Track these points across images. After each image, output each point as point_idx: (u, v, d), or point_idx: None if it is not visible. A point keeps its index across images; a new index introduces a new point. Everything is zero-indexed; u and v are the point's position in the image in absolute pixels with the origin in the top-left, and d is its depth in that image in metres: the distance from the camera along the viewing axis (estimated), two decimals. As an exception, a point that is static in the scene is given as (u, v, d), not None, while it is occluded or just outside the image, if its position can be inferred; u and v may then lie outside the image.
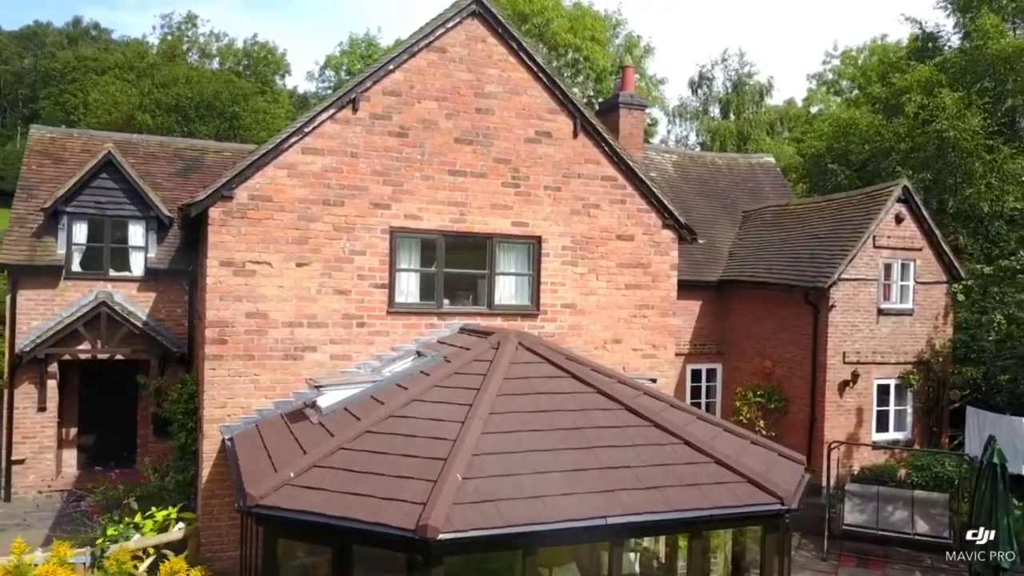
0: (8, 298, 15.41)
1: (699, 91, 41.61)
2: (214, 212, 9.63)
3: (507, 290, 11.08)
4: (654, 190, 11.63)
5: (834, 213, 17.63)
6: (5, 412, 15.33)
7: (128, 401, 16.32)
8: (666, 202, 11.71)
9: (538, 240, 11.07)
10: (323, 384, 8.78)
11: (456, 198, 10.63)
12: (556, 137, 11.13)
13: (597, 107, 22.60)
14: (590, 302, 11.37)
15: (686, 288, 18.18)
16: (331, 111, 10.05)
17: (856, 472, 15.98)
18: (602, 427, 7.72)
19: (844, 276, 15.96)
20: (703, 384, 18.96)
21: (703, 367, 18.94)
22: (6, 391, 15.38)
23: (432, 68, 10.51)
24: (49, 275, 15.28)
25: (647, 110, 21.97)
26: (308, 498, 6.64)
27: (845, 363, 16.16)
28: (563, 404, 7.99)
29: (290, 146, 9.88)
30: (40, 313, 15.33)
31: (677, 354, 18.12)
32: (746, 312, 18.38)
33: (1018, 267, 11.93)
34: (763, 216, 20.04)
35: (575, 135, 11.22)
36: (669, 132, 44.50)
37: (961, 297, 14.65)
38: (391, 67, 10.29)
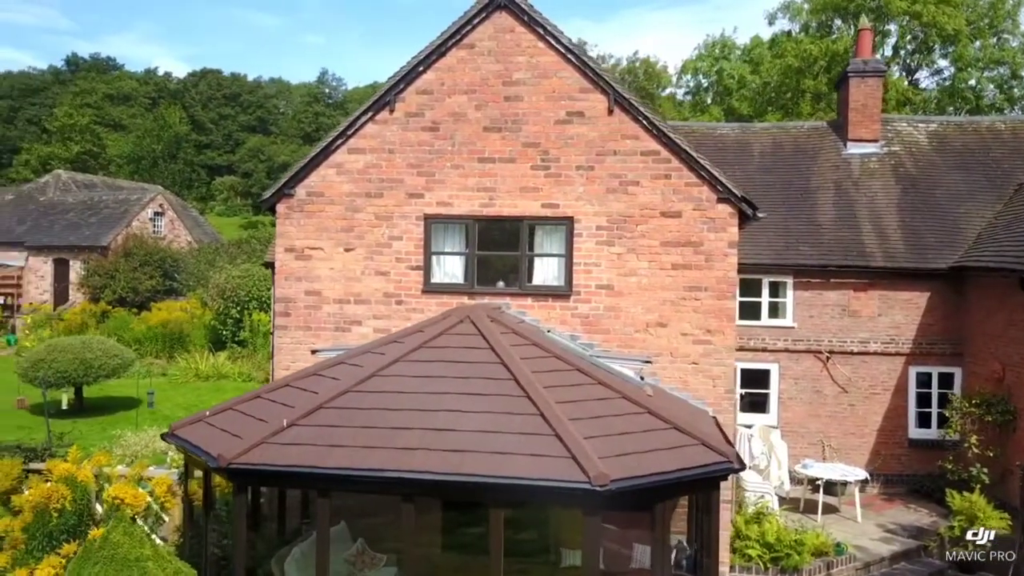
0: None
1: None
2: (280, 207, 11.64)
3: (540, 271, 11.23)
4: (702, 162, 10.73)
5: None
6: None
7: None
8: (717, 174, 10.70)
9: (570, 221, 11.04)
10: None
11: (485, 184, 11.18)
12: (589, 116, 10.98)
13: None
14: (629, 283, 10.93)
15: (907, 278, 15.84)
16: (370, 113, 11.40)
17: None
18: (472, 394, 7.85)
19: (1077, 256, 12.40)
20: (934, 390, 15.96)
21: (933, 370, 15.95)
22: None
23: (462, 64, 11.23)
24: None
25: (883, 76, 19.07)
26: (199, 432, 8.10)
27: (1083, 368, 12.52)
28: (455, 372, 8.25)
29: (337, 147, 11.46)
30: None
31: (897, 354, 15.80)
32: (981, 305, 15.11)
33: None
34: (1031, 188, 16.18)
35: (610, 112, 10.93)
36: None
37: None
38: (421, 68, 11.26)
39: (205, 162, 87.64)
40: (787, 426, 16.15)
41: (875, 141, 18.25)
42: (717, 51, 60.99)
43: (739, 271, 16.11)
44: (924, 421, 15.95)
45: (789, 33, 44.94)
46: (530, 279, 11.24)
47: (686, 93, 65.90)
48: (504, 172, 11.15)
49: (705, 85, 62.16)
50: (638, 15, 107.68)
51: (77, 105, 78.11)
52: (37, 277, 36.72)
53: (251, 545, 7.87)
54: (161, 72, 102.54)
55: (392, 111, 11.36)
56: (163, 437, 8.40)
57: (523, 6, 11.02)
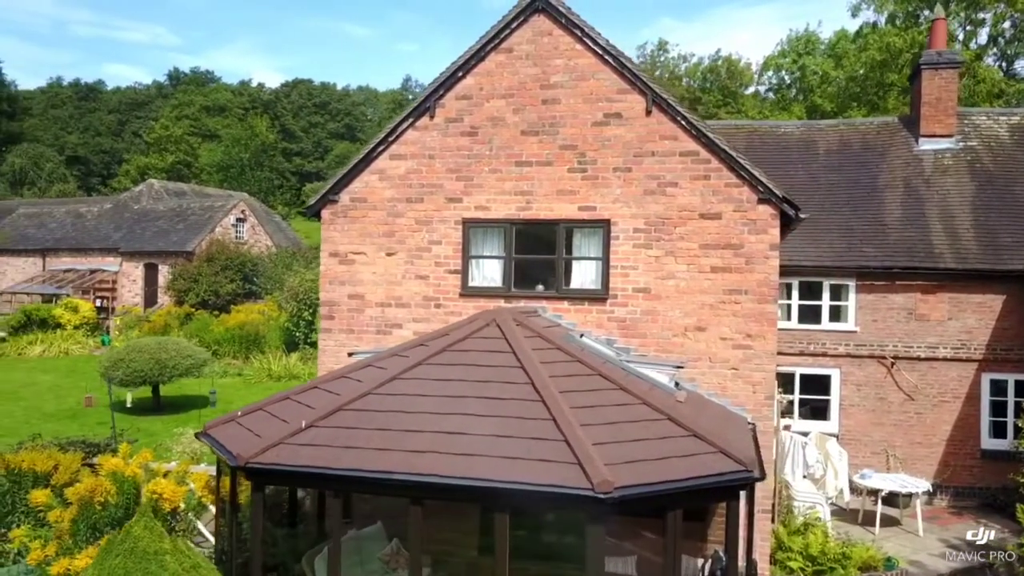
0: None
1: None
2: (325, 213, 11.94)
3: (576, 275, 11.15)
4: (742, 161, 10.44)
5: None
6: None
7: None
8: (758, 174, 10.39)
9: (607, 223, 10.92)
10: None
11: (522, 187, 11.18)
12: (627, 117, 10.85)
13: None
14: (667, 286, 10.73)
15: (981, 279, 15.12)
16: (411, 120, 11.57)
17: None
18: (488, 398, 7.87)
19: None
20: (1009, 399, 15.08)
21: (1009, 377, 15.09)
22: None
23: (500, 68, 11.27)
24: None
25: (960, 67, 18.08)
26: (228, 431, 8.39)
27: None
28: (474, 376, 8.28)
29: (379, 154, 11.68)
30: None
31: (968, 360, 15.06)
32: (1063, 309, 14.22)
33: None
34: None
35: (648, 113, 10.77)
36: None
37: None
38: (460, 74, 11.35)
39: (295, 169, 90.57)
40: (849, 434, 15.56)
41: (950, 136, 17.40)
42: (800, 47, 59.31)
43: (799, 273, 15.77)
44: (999, 431, 15.10)
45: (874, 25, 43.24)
46: (568, 282, 11.18)
47: (767, 90, 64.32)
48: (541, 175, 11.13)
49: (788, 82, 60.53)
50: (726, 13, 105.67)
51: (175, 117, 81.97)
52: (130, 281, 38.75)
53: (272, 542, 8.10)
54: (255, 83, 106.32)
55: (432, 117, 11.49)
56: (197, 436, 8.74)
57: (560, 8, 10.98)
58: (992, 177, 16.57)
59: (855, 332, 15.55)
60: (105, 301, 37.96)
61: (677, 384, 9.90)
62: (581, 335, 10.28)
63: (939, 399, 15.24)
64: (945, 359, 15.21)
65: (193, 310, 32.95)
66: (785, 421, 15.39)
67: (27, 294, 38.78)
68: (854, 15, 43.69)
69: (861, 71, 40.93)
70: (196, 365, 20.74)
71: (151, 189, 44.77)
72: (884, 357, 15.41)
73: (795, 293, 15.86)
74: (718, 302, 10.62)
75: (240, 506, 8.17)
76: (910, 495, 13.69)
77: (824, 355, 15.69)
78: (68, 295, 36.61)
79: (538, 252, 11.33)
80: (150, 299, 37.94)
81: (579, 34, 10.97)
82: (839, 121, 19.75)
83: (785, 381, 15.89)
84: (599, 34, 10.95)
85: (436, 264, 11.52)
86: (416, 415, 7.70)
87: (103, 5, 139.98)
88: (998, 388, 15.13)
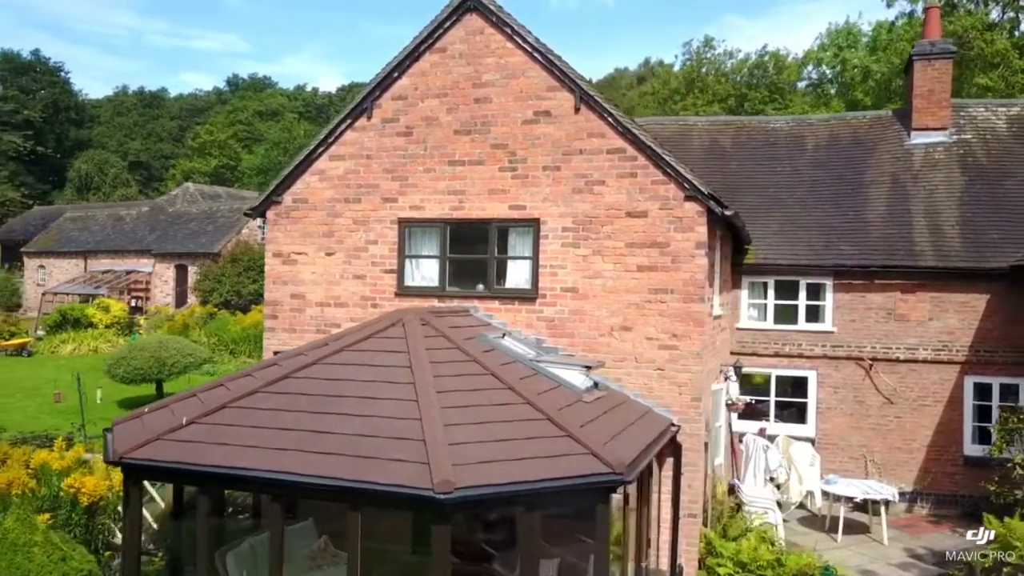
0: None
1: None
2: (269, 214, 12.13)
3: (512, 274, 11.06)
4: (667, 158, 10.23)
5: None
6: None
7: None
8: (683, 171, 10.16)
9: (536, 222, 10.83)
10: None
11: (455, 187, 11.16)
12: (556, 115, 10.73)
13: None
14: (594, 286, 10.58)
15: (963, 278, 14.54)
16: (349, 120, 11.66)
17: None
18: (368, 398, 7.87)
19: None
20: (994, 403, 14.42)
21: (993, 381, 14.43)
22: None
23: (434, 68, 11.27)
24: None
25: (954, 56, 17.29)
26: (127, 428, 8.51)
27: None
28: (364, 375, 8.30)
29: (319, 155, 11.80)
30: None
31: (950, 362, 14.50)
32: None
33: None
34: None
35: (576, 110, 10.63)
36: None
37: None
38: (396, 74, 11.40)
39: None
40: (826, 438, 15.09)
41: (943, 129, 16.74)
42: (841, 40, 57.67)
43: (775, 272, 15.41)
44: (984, 437, 14.46)
45: (911, 14, 41.84)
46: (504, 282, 11.12)
47: (808, 85, 62.75)
48: (473, 174, 11.09)
49: (829, 76, 58.96)
50: (791, 7, 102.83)
51: (227, 123, 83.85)
52: (162, 281, 39.95)
53: (167, 537, 8.23)
54: (309, 88, 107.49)
55: (370, 117, 11.57)
56: (105, 431, 8.96)
57: (491, 7, 10.93)
58: (984, 171, 15.88)
59: (832, 333, 15.08)
60: (139, 301, 39.20)
61: (596, 384, 9.76)
62: (504, 335, 10.19)
63: (919, 403, 14.67)
64: (926, 361, 14.63)
65: (216, 310, 33.74)
66: (760, 424, 15.06)
67: (67, 294, 40.27)
68: (889, 5, 42.35)
69: (897, 63, 39.61)
70: (195, 363, 21.25)
71: (186, 192, 46.07)
72: (862, 358, 14.90)
73: (771, 292, 15.46)
74: (644, 301, 10.43)
75: (131, 502, 8.34)
76: (887, 502, 13.18)
77: (800, 356, 15.26)
78: (105, 295, 37.87)
79: (474, 252, 11.29)
80: (180, 299, 39.03)
81: (509, 32, 10.91)
82: (831, 116, 19.19)
83: (760, 383, 15.53)
84: (528, 32, 10.87)
85: (373, 264, 11.59)
86: (294, 413, 7.76)
87: (178, 16, 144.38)
88: (982, 392, 14.49)
